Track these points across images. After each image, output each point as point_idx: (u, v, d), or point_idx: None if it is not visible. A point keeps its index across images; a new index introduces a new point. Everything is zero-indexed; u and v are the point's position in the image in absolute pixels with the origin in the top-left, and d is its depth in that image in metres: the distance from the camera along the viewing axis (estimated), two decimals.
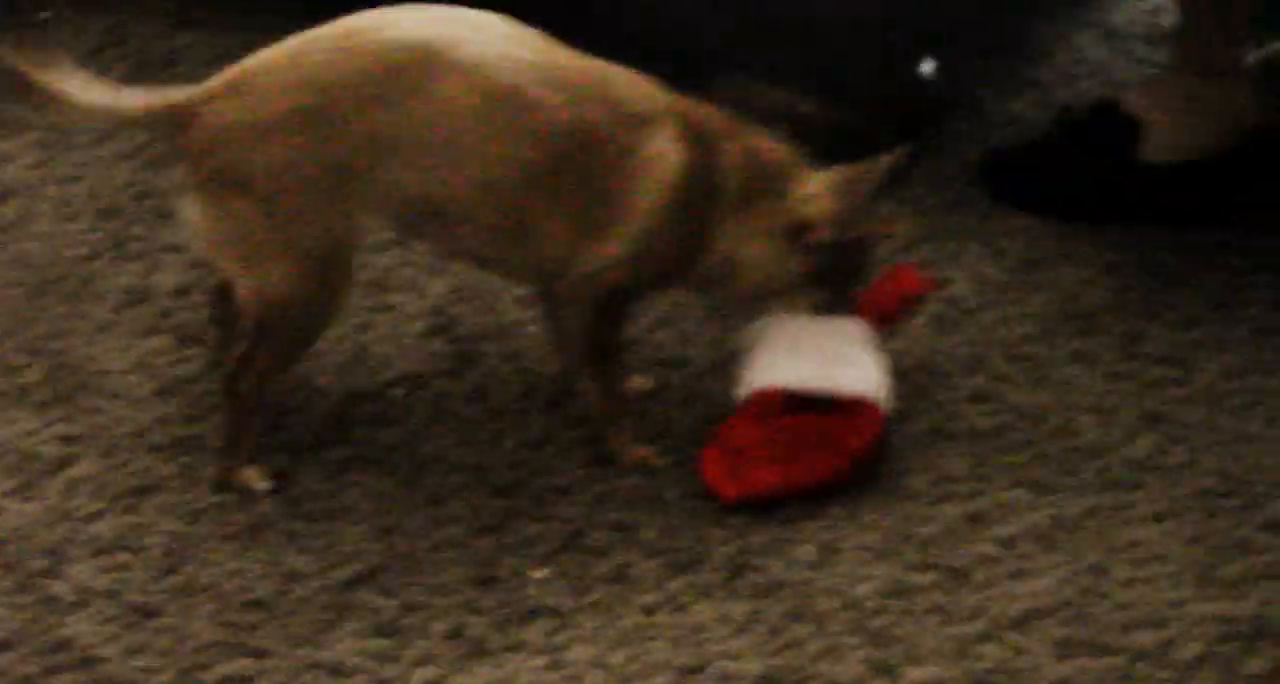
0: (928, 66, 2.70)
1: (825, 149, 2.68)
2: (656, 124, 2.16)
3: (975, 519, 2.24)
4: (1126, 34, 2.99)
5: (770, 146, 2.24)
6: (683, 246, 2.21)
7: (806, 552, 2.19)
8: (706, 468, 2.24)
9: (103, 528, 2.16)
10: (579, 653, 2.06)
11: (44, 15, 2.91)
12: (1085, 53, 2.95)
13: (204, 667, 2.02)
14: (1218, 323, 2.52)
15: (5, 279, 2.47)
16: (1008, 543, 2.22)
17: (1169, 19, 2.90)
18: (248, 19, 2.93)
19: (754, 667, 2.06)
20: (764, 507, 2.23)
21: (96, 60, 2.85)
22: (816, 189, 2.23)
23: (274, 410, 2.32)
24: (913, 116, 2.74)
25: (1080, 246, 2.63)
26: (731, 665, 2.06)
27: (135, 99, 2.15)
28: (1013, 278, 2.58)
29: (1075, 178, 2.68)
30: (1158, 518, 2.26)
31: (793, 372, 2.26)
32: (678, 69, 2.77)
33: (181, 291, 2.47)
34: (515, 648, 2.06)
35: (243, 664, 2.03)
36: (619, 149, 2.14)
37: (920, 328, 2.49)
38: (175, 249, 2.53)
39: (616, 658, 2.06)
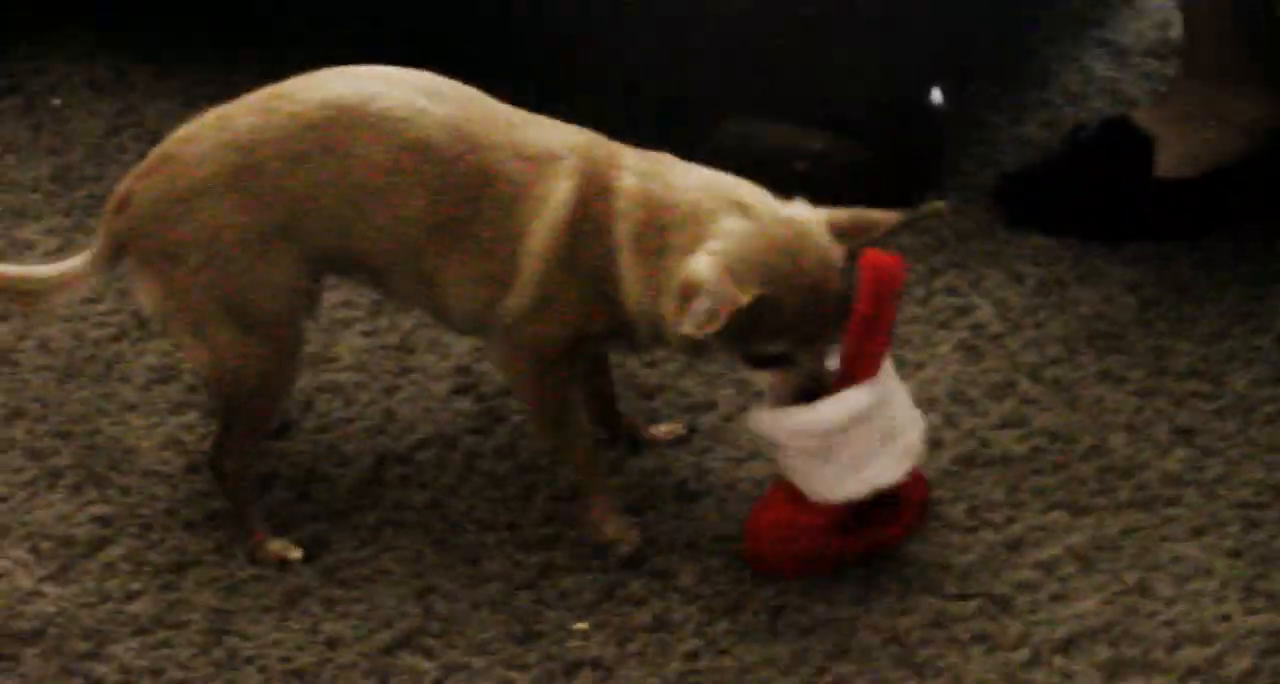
0: (936, 95, 2.70)
1: (840, 186, 2.69)
2: (552, 163, 2.12)
3: (1013, 545, 2.23)
4: (1135, 51, 2.98)
5: (697, 187, 2.09)
6: (588, 295, 2.11)
7: (846, 588, 2.18)
8: (756, 544, 2.19)
9: (142, 607, 2.17)
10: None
11: (57, 101, 2.94)
12: (1094, 71, 2.94)
13: None
14: (1244, 334, 2.51)
15: (32, 364, 2.49)
16: (1048, 567, 2.21)
17: (1176, 32, 2.90)
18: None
19: None
20: None
21: (111, 142, 2.87)
22: (723, 244, 2.03)
23: (304, 479, 2.32)
24: (924, 147, 2.74)
25: (1100, 266, 2.63)
26: None
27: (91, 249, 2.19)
28: (1035, 301, 2.58)
29: (1090, 196, 2.68)
30: (1197, 532, 2.25)
31: (836, 485, 2.12)
32: (682, 112, 2.78)
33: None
34: None
35: None
36: (513, 191, 2.11)
37: (947, 356, 2.49)
38: None
39: None
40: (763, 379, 2.11)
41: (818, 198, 2.68)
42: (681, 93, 2.72)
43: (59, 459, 2.35)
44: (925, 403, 2.41)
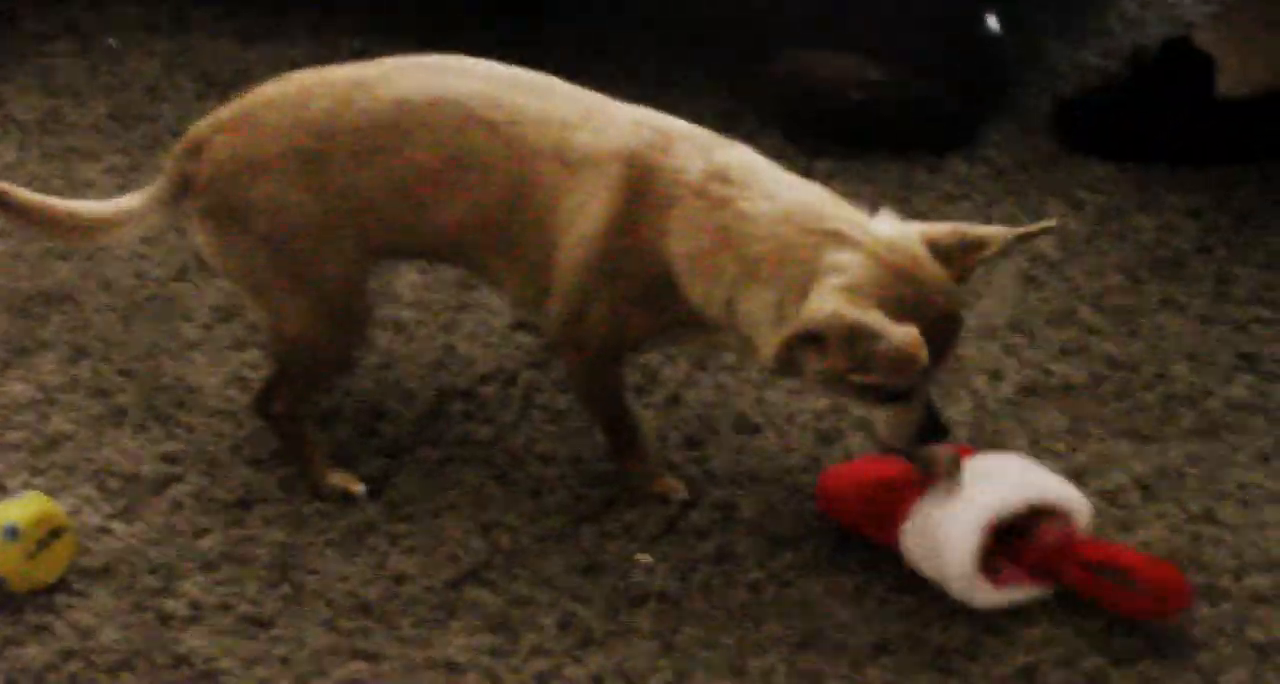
0: (992, 23, 2.68)
1: (897, 116, 2.68)
2: (592, 172, 2.05)
3: (1077, 474, 2.23)
4: None
5: (782, 218, 1.97)
6: (627, 305, 2.08)
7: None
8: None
9: (210, 543, 2.18)
10: (690, 635, 2.06)
11: (111, 42, 2.94)
12: None
13: (320, 673, 2.04)
14: None
15: (95, 304, 2.50)
16: (1112, 496, 2.20)
17: None
18: (312, 33, 2.95)
19: (867, 637, 2.05)
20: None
21: (168, 81, 2.87)
22: (847, 279, 1.91)
23: (369, 415, 2.33)
24: (981, 77, 2.72)
25: (1159, 193, 2.61)
26: (844, 637, 2.05)
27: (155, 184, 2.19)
28: (1095, 229, 2.56)
29: (1151, 119, 2.66)
30: (1263, 459, 2.24)
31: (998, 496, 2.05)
32: (740, 44, 2.77)
33: None
34: (626, 634, 2.07)
35: (357, 667, 2.04)
36: (548, 200, 2.07)
37: (1008, 284, 2.48)
38: None
39: (728, 637, 2.06)
40: (875, 414, 2.01)
41: (876, 128, 2.69)
42: (739, 24, 2.71)
43: (123, 398, 2.36)
44: (986, 333, 2.41)
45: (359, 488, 2.22)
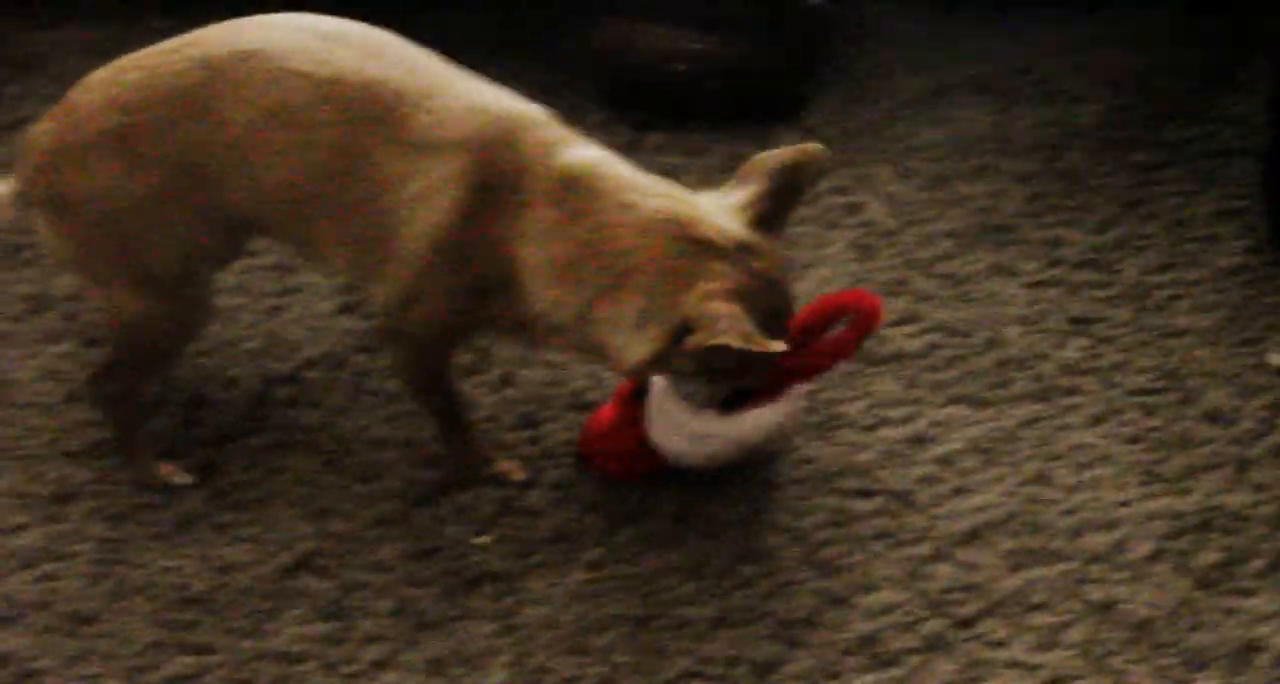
0: None
1: (720, 86, 2.66)
2: (440, 159, 2.00)
3: (914, 441, 2.22)
4: None
5: (646, 228, 1.97)
6: (463, 296, 2.04)
7: (747, 491, 2.16)
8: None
9: (29, 539, 2.11)
10: (529, 615, 2.03)
11: None
12: None
13: (148, 668, 1.98)
14: (1133, 221, 2.51)
15: None
16: (948, 461, 2.20)
17: None
18: (111, 13, 2.88)
19: (708, 610, 2.03)
20: None
21: None
22: (719, 285, 1.94)
23: (191, 404, 2.27)
24: (806, 45, 2.71)
25: (989, 159, 2.61)
26: (686, 611, 2.03)
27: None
28: (925, 196, 2.56)
29: None
30: (1096, 421, 2.24)
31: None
32: (563, 15, 2.74)
33: (81, 295, 2.42)
34: (464, 617, 2.03)
35: (187, 662, 1.98)
36: (386, 180, 2.01)
37: (839, 255, 2.46)
38: None
39: (568, 615, 2.02)
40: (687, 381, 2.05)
41: (702, 99, 2.67)
42: None
43: None
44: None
45: (185, 478, 2.16)
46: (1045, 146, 2.63)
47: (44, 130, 2.08)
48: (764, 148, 2.65)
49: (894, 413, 2.26)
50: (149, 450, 2.18)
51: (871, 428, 2.24)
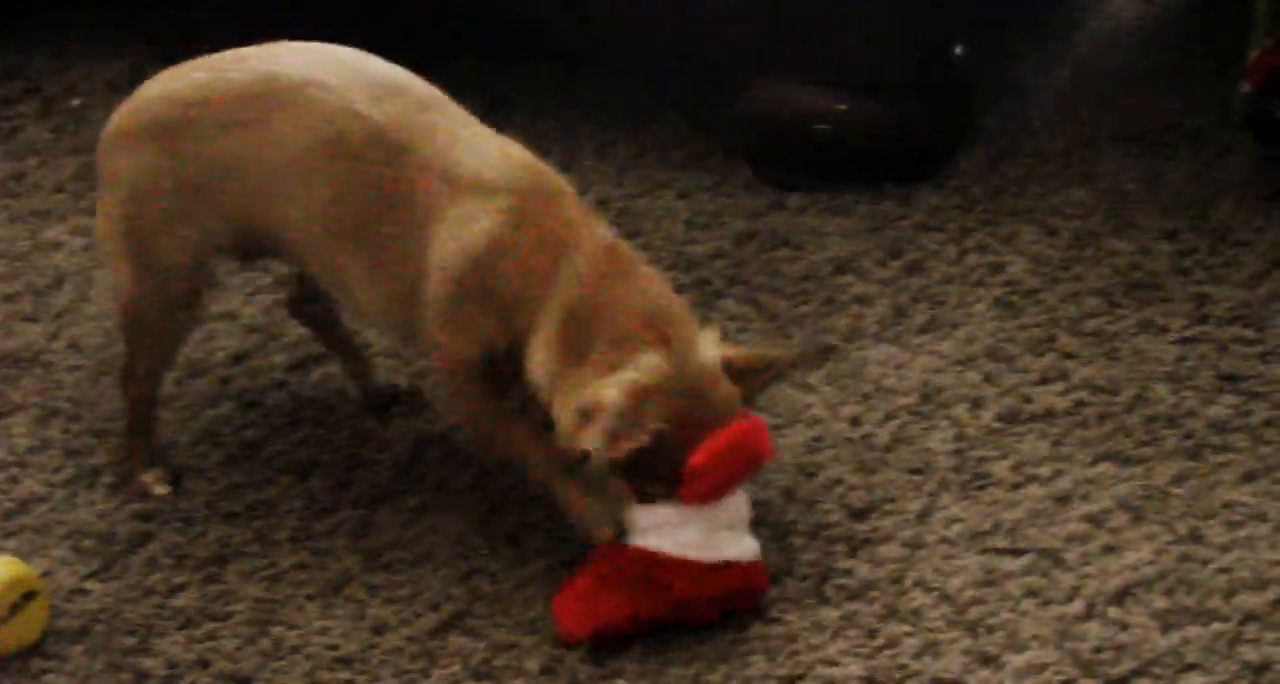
0: (960, 49, 2.67)
1: (866, 147, 2.67)
2: (480, 195, 2.06)
3: (1062, 499, 2.20)
4: None
5: (637, 311, 2.02)
6: (493, 323, 2.07)
7: (891, 550, 2.16)
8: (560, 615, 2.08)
9: (186, 600, 2.15)
10: (676, 674, 2.03)
11: (75, 102, 2.93)
12: (1120, 16, 2.91)
13: None
14: None
15: (65, 365, 2.48)
16: (1097, 519, 2.18)
17: None
18: None
19: (854, 670, 2.02)
20: (847, 508, 2.21)
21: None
22: (637, 377, 1.99)
23: (344, 466, 2.31)
24: (950, 104, 2.72)
25: (1134, 216, 2.60)
26: (831, 671, 2.03)
27: None
28: (1070, 255, 2.55)
29: None
30: (1247, 478, 2.22)
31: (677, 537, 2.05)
32: (707, 78, 2.76)
33: (239, 358, 2.47)
34: (611, 677, 2.04)
35: None
36: (425, 211, 2.07)
37: (984, 313, 2.46)
38: (229, 317, 2.53)
39: (716, 675, 2.03)
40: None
41: (844, 160, 2.68)
42: (705, 58, 2.70)
43: (95, 458, 2.34)
44: (964, 361, 2.39)
45: (163, 489, 2.26)
46: (1193, 200, 2.61)
47: (111, 117, 2.22)
48: (907, 207, 2.67)
49: (1041, 470, 2.25)
50: (147, 454, 2.28)
51: (1019, 486, 2.23)
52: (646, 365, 2.00)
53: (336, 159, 2.10)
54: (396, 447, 2.33)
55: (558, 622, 2.07)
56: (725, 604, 2.08)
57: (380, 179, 2.09)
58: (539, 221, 2.06)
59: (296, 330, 2.49)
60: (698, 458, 2.00)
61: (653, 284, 2.07)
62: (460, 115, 2.14)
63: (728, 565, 2.05)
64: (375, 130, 2.09)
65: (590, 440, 1.98)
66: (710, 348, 2.05)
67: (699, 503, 2.03)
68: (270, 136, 2.11)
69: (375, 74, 2.14)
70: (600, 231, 2.09)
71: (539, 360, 2.05)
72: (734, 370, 2.05)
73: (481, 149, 2.10)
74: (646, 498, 2.04)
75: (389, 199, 2.09)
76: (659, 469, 2.01)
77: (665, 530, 2.04)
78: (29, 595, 2.10)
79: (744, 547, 2.08)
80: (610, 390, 1.98)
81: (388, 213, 2.09)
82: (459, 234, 2.06)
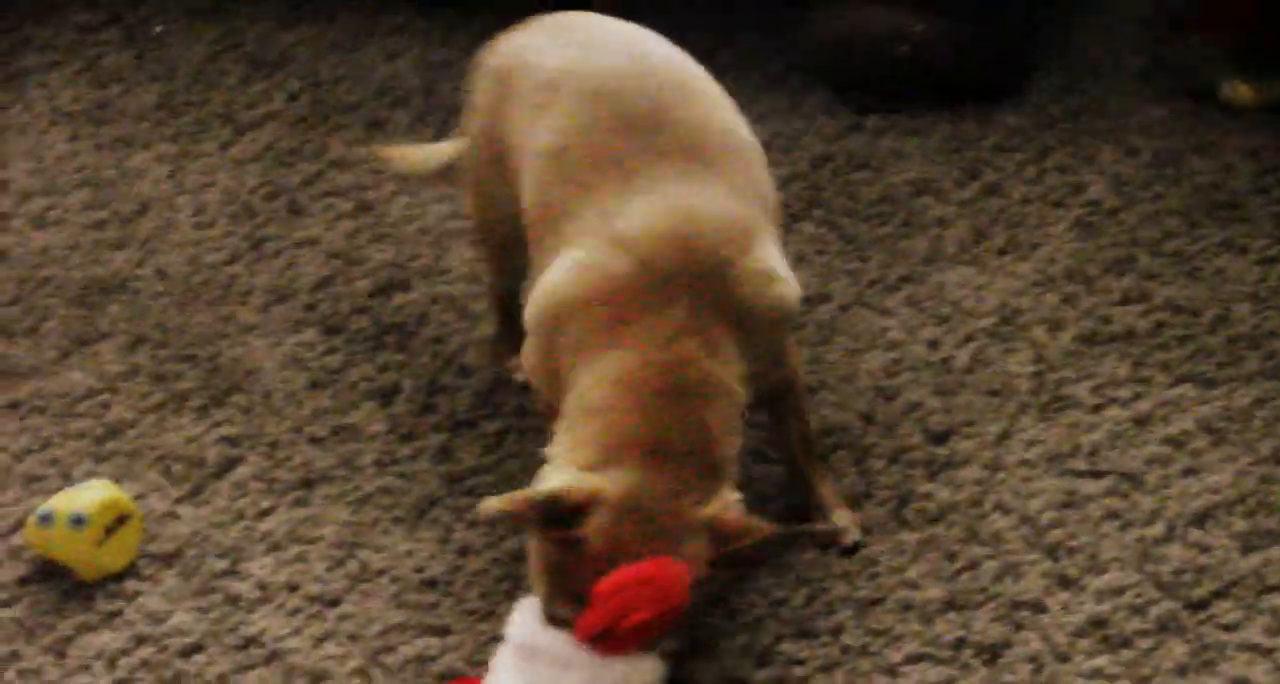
0: None
1: (942, 69, 2.65)
2: (597, 243, 1.94)
3: (1142, 421, 2.21)
4: None
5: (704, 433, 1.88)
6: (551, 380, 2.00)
7: (971, 473, 2.17)
8: None
9: (275, 524, 2.19)
10: (756, 598, 2.06)
11: (157, 29, 2.95)
12: None
13: (389, 649, 2.04)
14: None
15: (151, 291, 2.51)
16: (1178, 441, 2.18)
17: None
18: (355, 11, 2.95)
19: (934, 593, 2.04)
20: (926, 431, 2.22)
21: (214, 66, 2.88)
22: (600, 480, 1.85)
23: (426, 391, 2.33)
24: (1029, 24, 2.70)
25: (1215, 135, 2.58)
26: (911, 594, 2.04)
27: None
28: (1150, 174, 2.53)
29: None
30: None
31: None
32: (784, 3, 2.75)
33: (322, 284, 2.50)
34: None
35: (426, 643, 2.05)
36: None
37: (1063, 234, 2.45)
38: (311, 243, 2.55)
39: (797, 598, 2.05)
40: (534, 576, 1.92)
41: (924, 81, 2.66)
42: None
43: (184, 383, 2.37)
44: (1043, 283, 2.39)
45: (522, 377, 2.21)
46: (1272, 122, 2.58)
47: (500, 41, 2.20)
48: (986, 127, 2.65)
49: (1121, 392, 2.25)
50: (505, 342, 2.28)
51: (1098, 408, 2.23)
52: (613, 477, 1.86)
53: (556, 162, 2.04)
54: (478, 374, 2.35)
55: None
56: None
57: (620, 165, 2.00)
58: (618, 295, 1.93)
59: (379, 255, 2.51)
60: (603, 583, 1.83)
61: (690, 415, 1.88)
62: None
63: None
64: (626, 120, 2.01)
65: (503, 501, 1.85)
66: (714, 505, 1.87)
67: (588, 643, 1.84)
68: (541, 126, 2.07)
69: (634, 60, 2.08)
70: (663, 338, 1.91)
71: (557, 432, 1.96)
72: (718, 531, 1.86)
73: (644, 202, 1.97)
74: (552, 618, 1.88)
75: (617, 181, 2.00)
76: (570, 583, 1.85)
77: (536, 666, 1.87)
78: (123, 519, 2.14)
79: None
80: (564, 475, 1.87)
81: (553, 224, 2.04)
82: (547, 274, 1.99)
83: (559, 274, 1.98)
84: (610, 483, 1.87)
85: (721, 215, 1.97)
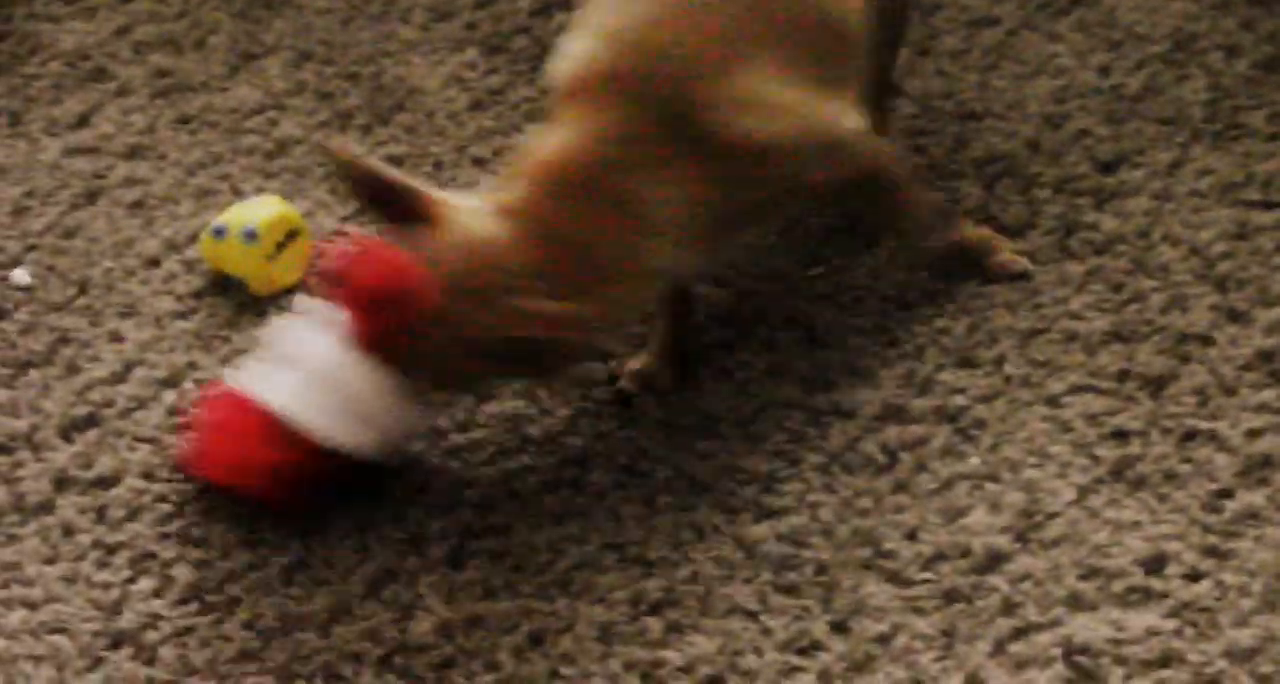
0: None
1: None
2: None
3: None
4: None
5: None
6: None
7: (1139, 203, 2.14)
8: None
9: None
10: (918, 328, 2.06)
11: None
12: None
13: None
14: None
15: (315, 6, 2.51)
16: None
17: None
18: None
19: (1099, 324, 2.04)
20: (1095, 159, 2.18)
21: None
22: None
23: None
24: None
25: None
26: (1075, 324, 2.04)
27: None
28: None
29: None
30: None
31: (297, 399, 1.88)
32: None
33: (483, 3, 2.48)
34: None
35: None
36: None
37: None
38: None
39: (959, 327, 2.06)
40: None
41: None
42: None
43: (348, 101, 2.38)
44: (1220, 5, 2.32)
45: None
46: None
47: None
48: None
49: None
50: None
51: (1274, 137, 2.18)
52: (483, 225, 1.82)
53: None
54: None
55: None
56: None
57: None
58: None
59: None
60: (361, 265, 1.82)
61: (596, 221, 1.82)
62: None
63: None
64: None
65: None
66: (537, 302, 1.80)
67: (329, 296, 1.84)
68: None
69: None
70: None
71: None
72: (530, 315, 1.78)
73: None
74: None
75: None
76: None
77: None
78: (293, 234, 2.18)
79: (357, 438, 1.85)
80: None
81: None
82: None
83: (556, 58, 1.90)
84: (474, 222, 1.81)
85: (713, 34, 1.85)
